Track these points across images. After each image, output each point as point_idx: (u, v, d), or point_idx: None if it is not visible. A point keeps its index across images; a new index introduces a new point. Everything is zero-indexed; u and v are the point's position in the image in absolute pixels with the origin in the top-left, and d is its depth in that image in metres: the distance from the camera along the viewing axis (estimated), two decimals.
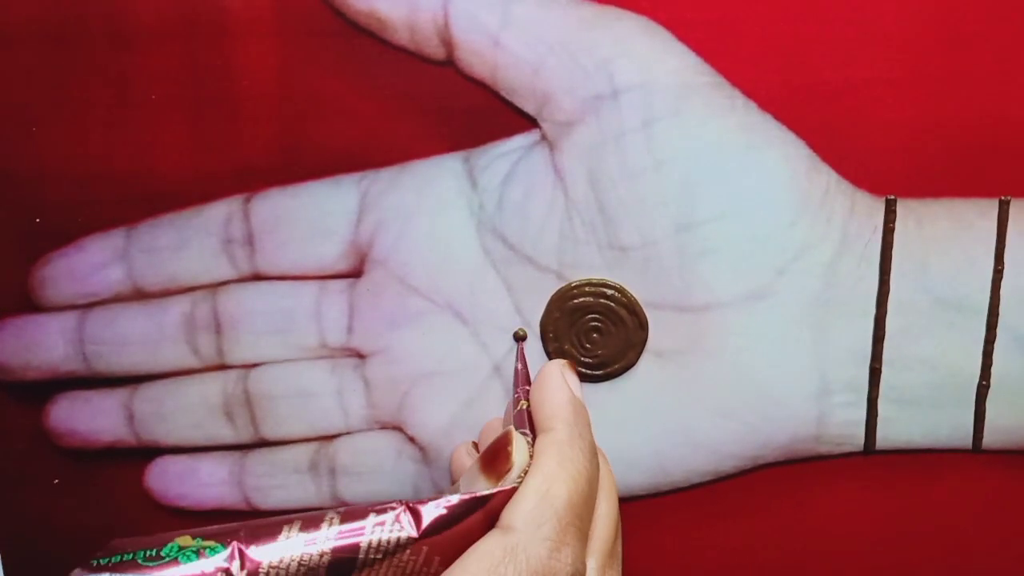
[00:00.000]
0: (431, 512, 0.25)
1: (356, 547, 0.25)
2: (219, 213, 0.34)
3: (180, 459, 0.36)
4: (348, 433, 0.36)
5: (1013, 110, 0.34)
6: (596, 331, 0.35)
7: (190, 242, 0.34)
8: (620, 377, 0.35)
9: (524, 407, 0.30)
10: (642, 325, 0.35)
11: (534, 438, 0.28)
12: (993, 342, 0.35)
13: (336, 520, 0.25)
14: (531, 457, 0.27)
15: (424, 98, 0.33)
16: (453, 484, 0.33)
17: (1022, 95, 0.34)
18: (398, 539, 0.25)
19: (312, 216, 0.34)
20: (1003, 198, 0.35)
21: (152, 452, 0.35)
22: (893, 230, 0.34)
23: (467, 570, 0.24)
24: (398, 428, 0.36)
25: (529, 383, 0.31)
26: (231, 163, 0.33)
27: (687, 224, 0.34)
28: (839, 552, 0.38)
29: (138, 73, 0.32)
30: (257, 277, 0.34)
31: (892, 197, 0.34)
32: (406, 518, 0.25)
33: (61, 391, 0.35)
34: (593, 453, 0.28)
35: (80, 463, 0.35)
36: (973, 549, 0.38)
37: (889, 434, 0.36)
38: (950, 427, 0.36)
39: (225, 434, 0.35)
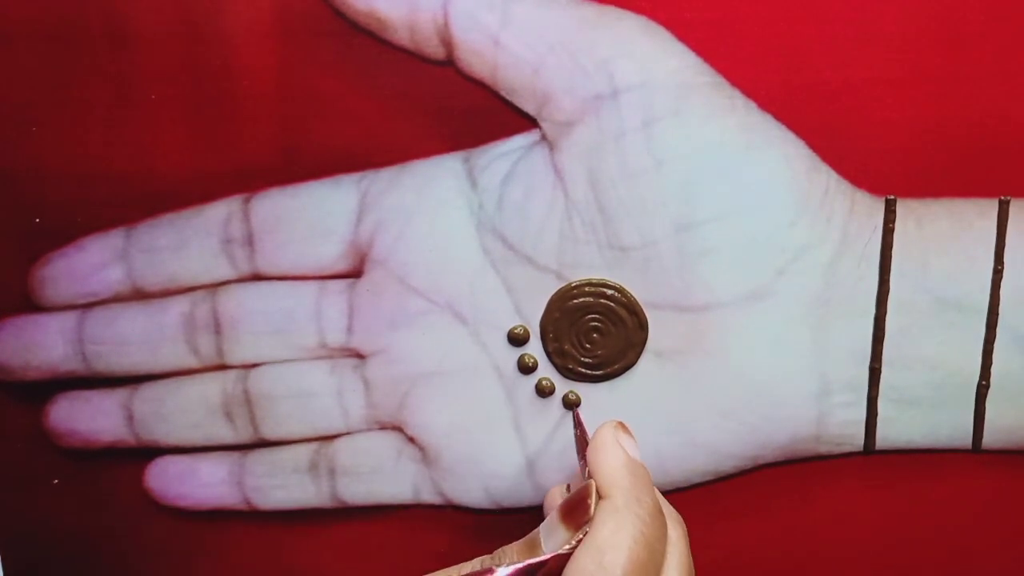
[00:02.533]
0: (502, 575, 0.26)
1: None
2: (219, 213, 0.34)
3: (180, 459, 0.36)
4: (348, 433, 0.36)
5: (1013, 110, 0.34)
6: (596, 331, 0.35)
7: (190, 242, 0.34)
8: (620, 377, 0.35)
9: (592, 484, 0.29)
10: (642, 325, 0.35)
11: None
12: (993, 342, 0.35)
13: None
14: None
15: (424, 98, 0.33)
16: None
17: (1022, 95, 0.34)
18: None
19: (312, 216, 0.34)
20: (1003, 198, 0.35)
21: (152, 452, 0.35)
22: (893, 230, 0.34)
23: None
24: (398, 428, 0.36)
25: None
26: (231, 163, 0.33)
27: (687, 224, 0.34)
28: (839, 552, 0.38)
29: (138, 73, 0.32)
30: (257, 277, 0.34)
31: (892, 197, 0.34)
32: None
33: (61, 391, 0.35)
34: (654, 517, 0.28)
35: (80, 463, 0.35)
36: (973, 549, 0.38)
37: (889, 434, 0.36)
38: (950, 427, 0.36)
39: (225, 434, 0.35)
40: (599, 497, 0.28)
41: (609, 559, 0.26)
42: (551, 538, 0.28)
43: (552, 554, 0.27)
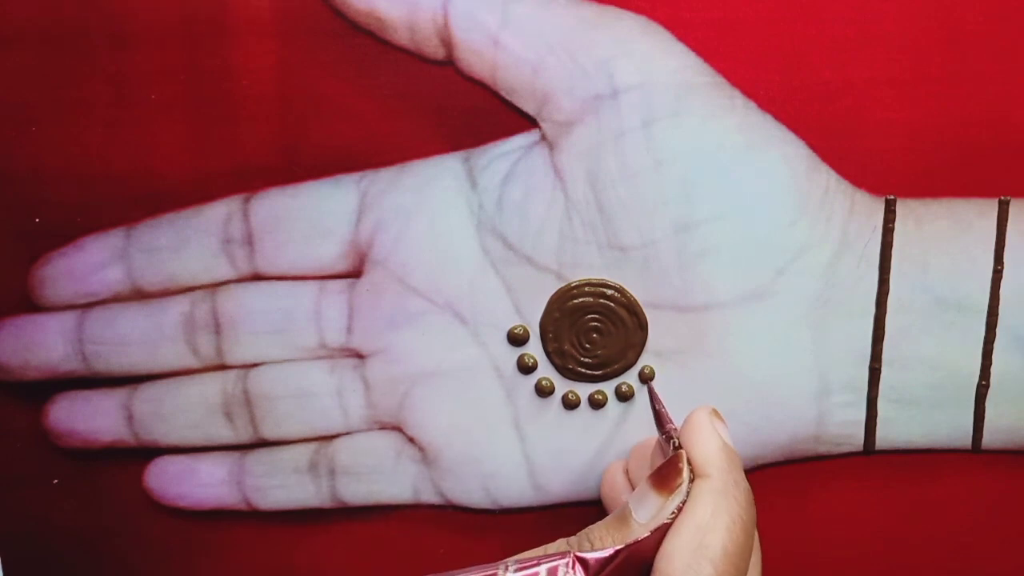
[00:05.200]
0: (594, 563, 0.27)
1: None
2: (219, 213, 0.34)
3: (179, 459, 0.36)
4: (348, 433, 0.36)
5: (1013, 110, 0.34)
6: (596, 331, 0.35)
7: (190, 242, 0.34)
8: (620, 377, 0.35)
9: (678, 444, 0.30)
10: (642, 325, 0.35)
11: (692, 479, 0.28)
12: (993, 342, 0.35)
13: (510, 573, 0.26)
14: (692, 476, 0.28)
15: (424, 98, 0.33)
16: (602, 499, 0.35)
17: (1022, 95, 0.34)
18: None
19: (312, 216, 0.34)
20: (1003, 198, 0.35)
21: (151, 452, 0.35)
22: (893, 230, 0.34)
23: None
24: (398, 428, 0.36)
25: (671, 422, 0.31)
26: (231, 163, 0.33)
27: (687, 224, 0.34)
28: (839, 552, 0.38)
29: (138, 73, 0.32)
30: (256, 277, 0.34)
31: (892, 197, 0.34)
32: (579, 568, 0.26)
33: (61, 391, 0.35)
34: (749, 500, 0.28)
35: (80, 463, 0.35)
36: (973, 549, 0.38)
37: (889, 434, 0.36)
38: (950, 427, 0.36)
39: (224, 434, 0.35)
40: (694, 476, 0.28)
41: (710, 539, 0.26)
42: (643, 506, 0.28)
43: (649, 533, 0.27)
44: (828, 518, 0.37)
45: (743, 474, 0.29)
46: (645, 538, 0.27)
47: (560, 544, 0.29)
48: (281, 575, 0.37)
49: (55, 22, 0.32)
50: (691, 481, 0.28)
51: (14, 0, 0.32)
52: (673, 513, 0.27)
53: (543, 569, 0.26)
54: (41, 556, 0.36)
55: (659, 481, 0.28)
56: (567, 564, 0.26)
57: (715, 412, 0.30)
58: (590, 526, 0.29)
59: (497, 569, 0.26)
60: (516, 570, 0.26)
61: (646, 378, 0.35)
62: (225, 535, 0.36)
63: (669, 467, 0.28)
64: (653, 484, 0.28)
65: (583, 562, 0.27)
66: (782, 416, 0.35)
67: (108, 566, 0.37)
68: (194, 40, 0.32)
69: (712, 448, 0.29)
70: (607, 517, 0.29)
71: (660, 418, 0.32)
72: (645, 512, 0.28)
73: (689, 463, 0.28)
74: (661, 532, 0.27)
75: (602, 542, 0.28)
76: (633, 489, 0.31)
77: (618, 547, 0.27)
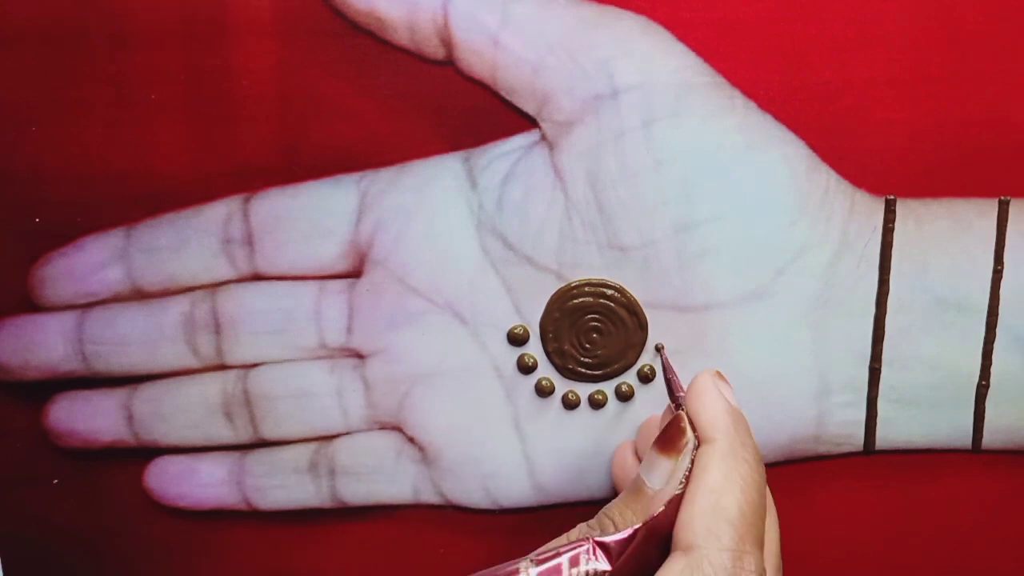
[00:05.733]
0: (615, 545, 0.27)
1: None
2: (219, 213, 0.34)
3: (179, 459, 0.36)
4: (348, 433, 0.36)
5: (1013, 110, 0.34)
6: (596, 331, 0.35)
7: (189, 242, 0.34)
8: (620, 377, 0.35)
9: (683, 413, 0.30)
10: (642, 325, 0.35)
11: (698, 444, 0.28)
12: (993, 342, 0.35)
13: (532, 568, 0.27)
14: (696, 440, 0.28)
15: (424, 98, 0.33)
16: (614, 481, 0.35)
17: (1022, 95, 0.34)
18: (595, 573, 0.26)
19: (312, 216, 0.34)
20: (1003, 198, 0.35)
21: (151, 452, 0.35)
22: (893, 230, 0.34)
23: None
24: (398, 428, 0.36)
25: (682, 389, 0.31)
26: (231, 163, 0.33)
27: (687, 224, 0.34)
28: (839, 552, 0.38)
29: (137, 73, 0.32)
30: (256, 277, 0.34)
31: (892, 197, 0.34)
32: (599, 553, 0.27)
33: (61, 391, 0.35)
34: (758, 462, 0.28)
35: (80, 463, 0.35)
36: (973, 549, 0.38)
37: (889, 434, 0.36)
38: (950, 427, 0.36)
39: (224, 434, 0.35)
40: (699, 440, 0.28)
41: (724, 502, 0.27)
42: (654, 473, 0.28)
43: (658, 511, 0.27)
44: (828, 518, 0.37)
45: (750, 434, 0.29)
46: (660, 512, 0.27)
47: (581, 529, 0.29)
48: (281, 575, 0.37)
49: (55, 22, 0.32)
50: (697, 443, 0.28)
51: (14, 0, 0.32)
52: (682, 482, 0.27)
53: (565, 560, 0.26)
54: (41, 556, 0.36)
55: (665, 444, 0.28)
56: (588, 551, 0.27)
57: (719, 374, 0.30)
58: (607, 505, 0.29)
59: (519, 566, 0.26)
60: (537, 563, 0.26)
61: (658, 348, 0.35)
62: (225, 535, 0.36)
63: (672, 428, 0.28)
64: (659, 448, 0.28)
65: (603, 546, 0.27)
66: (782, 416, 0.36)
67: (108, 566, 0.37)
68: (194, 40, 0.32)
69: (717, 410, 0.29)
70: (622, 493, 0.29)
71: (671, 386, 0.32)
72: (657, 478, 0.28)
73: (693, 425, 0.28)
74: (675, 503, 0.27)
75: (622, 517, 0.28)
76: None
77: (636, 526, 0.27)
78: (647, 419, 0.35)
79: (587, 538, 0.27)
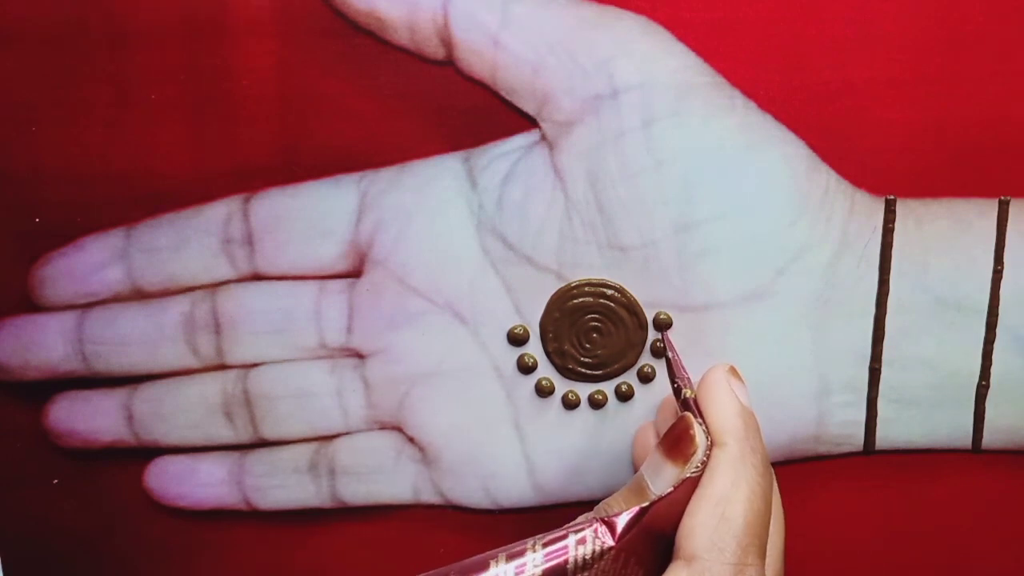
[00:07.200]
0: (622, 522, 0.27)
1: (563, 565, 0.26)
2: (219, 213, 0.34)
3: (179, 459, 0.36)
4: (348, 433, 0.36)
5: (1013, 110, 0.34)
6: (596, 331, 0.35)
7: (190, 242, 0.34)
8: (620, 377, 0.35)
9: (688, 395, 0.30)
10: (642, 325, 0.35)
11: (705, 426, 0.28)
12: (993, 342, 0.35)
13: (539, 546, 0.27)
14: (708, 440, 0.28)
15: (424, 98, 0.33)
16: (634, 463, 0.35)
17: (1022, 95, 0.34)
18: (601, 550, 0.27)
19: (312, 216, 0.34)
20: (1003, 198, 0.35)
21: (151, 452, 0.35)
22: (893, 230, 0.34)
23: None
24: (398, 428, 0.36)
25: (686, 370, 0.31)
26: (231, 163, 0.33)
27: (687, 224, 0.34)
28: (839, 552, 0.38)
29: (138, 73, 0.32)
30: (256, 277, 0.34)
31: (892, 197, 0.34)
32: (603, 531, 0.27)
33: (61, 391, 0.35)
34: (766, 467, 0.28)
35: (80, 463, 0.35)
36: (973, 549, 0.38)
37: (889, 434, 0.36)
38: (950, 427, 0.36)
39: (224, 434, 0.35)
40: (711, 444, 0.28)
41: (731, 511, 0.26)
42: (658, 477, 0.28)
43: (670, 490, 0.27)
44: (828, 518, 0.37)
45: (760, 438, 0.29)
46: (669, 493, 0.27)
47: (582, 518, 0.29)
48: (281, 575, 0.37)
49: (55, 22, 0.32)
50: (709, 447, 0.28)
51: (14, 0, 0.32)
52: (697, 468, 0.27)
53: (571, 540, 0.27)
54: (41, 556, 0.36)
55: (671, 449, 0.28)
56: (594, 530, 0.27)
57: (733, 370, 0.30)
58: (607, 499, 0.29)
59: (527, 544, 0.27)
60: (544, 544, 0.27)
61: (662, 324, 0.35)
62: (225, 535, 0.36)
63: (680, 433, 0.28)
64: (665, 453, 0.28)
65: (609, 524, 0.27)
66: (782, 416, 0.35)
67: (108, 566, 0.37)
68: (194, 40, 0.32)
69: (729, 413, 0.28)
70: (623, 488, 0.29)
71: (671, 367, 0.32)
72: (661, 484, 0.28)
73: (706, 428, 0.28)
74: (686, 486, 0.27)
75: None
76: None
77: (643, 504, 0.27)
78: (665, 399, 0.35)
79: (593, 518, 0.27)
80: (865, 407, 0.36)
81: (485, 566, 0.27)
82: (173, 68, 0.32)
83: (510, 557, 0.27)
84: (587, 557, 0.27)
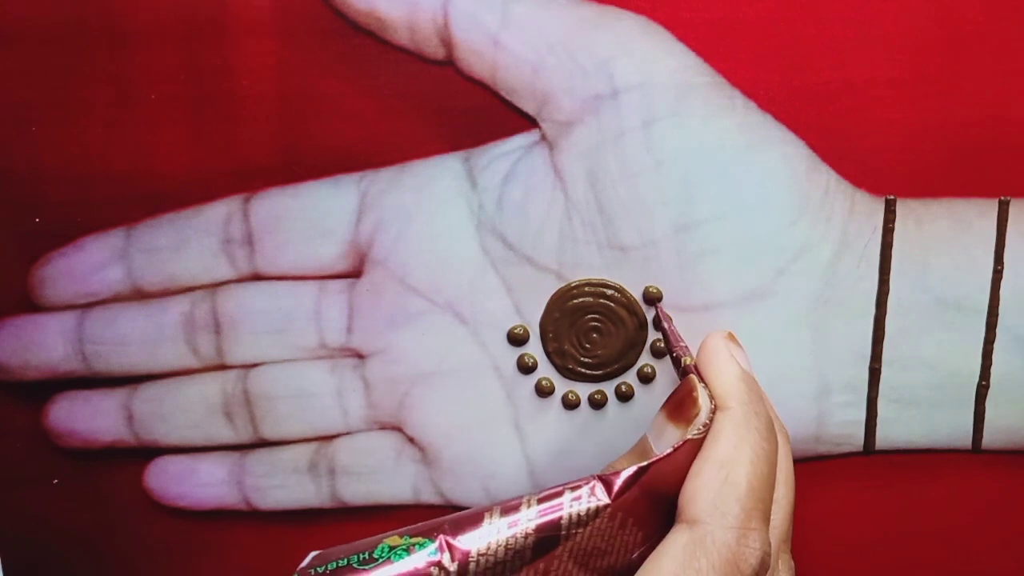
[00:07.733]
0: (619, 480, 0.27)
1: (557, 522, 0.26)
2: (219, 213, 0.34)
3: (179, 459, 0.36)
4: (348, 433, 0.36)
5: (1013, 110, 0.34)
6: (596, 331, 0.35)
7: (190, 242, 0.34)
8: (620, 377, 0.35)
9: (688, 363, 0.30)
10: (642, 325, 0.35)
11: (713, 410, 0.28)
12: (993, 342, 0.35)
13: (534, 501, 0.27)
14: (712, 403, 0.28)
15: (424, 98, 0.33)
16: None
17: (1022, 95, 0.34)
18: (596, 508, 0.26)
19: (312, 216, 0.34)
20: (1003, 198, 0.35)
21: (152, 452, 0.35)
22: (893, 230, 0.34)
23: (661, 567, 0.25)
24: (398, 428, 0.36)
25: (682, 340, 0.31)
26: (231, 163, 0.33)
27: (687, 224, 0.34)
28: (839, 552, 0.38)
29: (138, 73, 0.32)
30: (256, 277, 0.34)
31: (892, 197, 0.34)
32: (599, 489, 0.27)
33: (61, 391, 0.35)
34: (769, 430, 0.28)
35: (80, 463, 0.35)
36: (973, 549, 0.38)
37: (889, 434, 0.36)
38: (950, 427, 0.36)
39: (224, 434, 0.35)
40: (715, 408, 0.28)
41: (734, 475, 0.26)
42: (662, 439, 0.28)
43: (671, 450, 0.27)
44: (828, 518, 0.37)
45: (762, 401, 0.29)
46: (669, 454, 0.27)
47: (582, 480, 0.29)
48: (281, 575, 0.37)
49: (55, 22, 0.32)
50: (712, 410, 0.28)
51: (14, 0, 0.32)
52: (700, 430, 0.27)
53: (567, 497, 0.27)
54: (41, 556, 0.36)
55: (674, 411, 0.28)
56: (590, 488, 0.27)
57: (731, 336, 0.30)
58: (612, 462, 0.29)
59: (520, 500, 0.27)
60: (539, 500, 0.27)
61: (653, 297, 0.34)
62: (225, 535, 0.36)
63: (682, 395, 0.28)
64: (668, 415, 0.28)
65: (606, 482, 0.27)
66: (782, 416, 0.35)
67: (108, 566, 0.37)
68: (194, 40, 0.32)
69: (731, 377, 0.28)
70: (627, 452, 0.29)
71: (667, 337, 0.32)
72: (663, 446, 0.28)
73: (708, 390, 0.28)
74: (688, 450, 0.27)
75: None
76: None
77: (641, 464, 0.27)
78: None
79: (590, 476, 0.27)
80: (865, 407, 0.36)
81: (479, 519, 0.26)
82: (173, 68, 0.32)
83: (505, 511, 0.26)
84: (582, 514, 0.26)
